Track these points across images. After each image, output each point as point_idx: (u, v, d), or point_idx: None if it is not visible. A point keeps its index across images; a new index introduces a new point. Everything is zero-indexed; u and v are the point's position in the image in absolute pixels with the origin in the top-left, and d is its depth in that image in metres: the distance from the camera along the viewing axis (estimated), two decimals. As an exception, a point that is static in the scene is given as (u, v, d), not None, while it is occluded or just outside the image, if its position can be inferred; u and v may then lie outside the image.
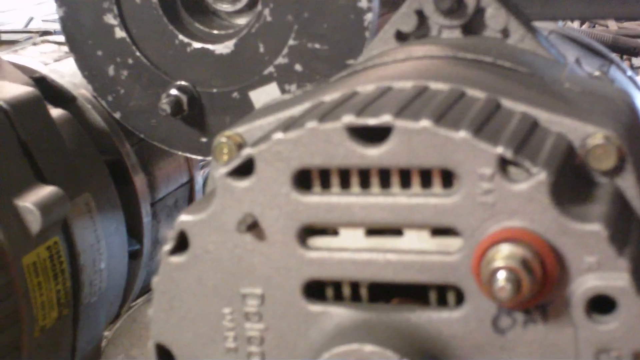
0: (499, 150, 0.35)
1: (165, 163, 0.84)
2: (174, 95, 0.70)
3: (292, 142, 0.38)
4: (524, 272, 0.34)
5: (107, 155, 0.77)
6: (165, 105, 0.70)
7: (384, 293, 0.38)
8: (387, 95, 0.40)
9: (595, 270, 0.34)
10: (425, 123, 0.36)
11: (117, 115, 0.74)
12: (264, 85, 0.68)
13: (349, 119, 0.37)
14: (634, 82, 0.71)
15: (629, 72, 0.72)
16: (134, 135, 0.75)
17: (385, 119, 0.37)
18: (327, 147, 0.37)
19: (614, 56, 0.74)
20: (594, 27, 1.50)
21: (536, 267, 0.34)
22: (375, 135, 0.37)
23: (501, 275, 0.34)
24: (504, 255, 0.34)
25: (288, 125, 0.39)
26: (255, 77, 0.68)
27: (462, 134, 0.36)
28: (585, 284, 0.35)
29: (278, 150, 0.38)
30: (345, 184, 0.38)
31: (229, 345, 0.40)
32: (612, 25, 1.47)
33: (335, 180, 0.38)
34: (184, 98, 0.70)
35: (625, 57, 1.31)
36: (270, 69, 0.67)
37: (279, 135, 0.38)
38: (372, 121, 0.37)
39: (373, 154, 0.37)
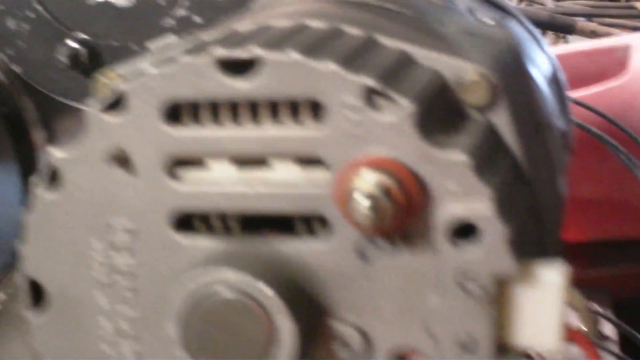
0: (365, 80, 0.36)
1: (67, 117, 0.83)
2: (74, 48, 0.69)
3: (163, 77, 0.38)
4: (386, 198, 0.34)
5: (4, 107, 0.75)
6: (64, 58, 0.69)
7: (256, 226, 0.38)
8: (263, 32, 0.40)
9: (458, 199, 0.35)
10: (293, 55, 0.36)
11: (18, 69, 0.72)
12: (163, 37, 0.68)
13: (219, 52, 0.37)
14: (534, 37, 0.72)
15: (530, 27, 0.73)
16: (34, 89, 0.74)
17: (254, 51, 0.37)
18: (197, 81, 0.37)
19: (516, 11, 0.74)
20: (531, 5, 1.50)
21: (398, 194, 0.34)
22: (248, 69, 0.37)
23: (362, 201, 0.34)
24: (365, 181, 0.34)
25: (162, 62, 0.38)
26: (155, 29, 0.68)
27: (330, 65, 0.36)
28: (448, 211, 0.35)
29: (150, 86, 0.38)
30: (216, 118, 0.38)
31: (101, 280, 0.40)
32: (549, 3, 1.48)
33: (205, 114, 0.38)
34: (84, 51, 0.69)
35: (561, 35, 1.32)
36: (170, 21, 0.67)
37: (151, 71, 0.38)
38: (241, 54, 0.37)
39: (242, 87, 0.37)
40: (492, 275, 0.35)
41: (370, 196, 0.34)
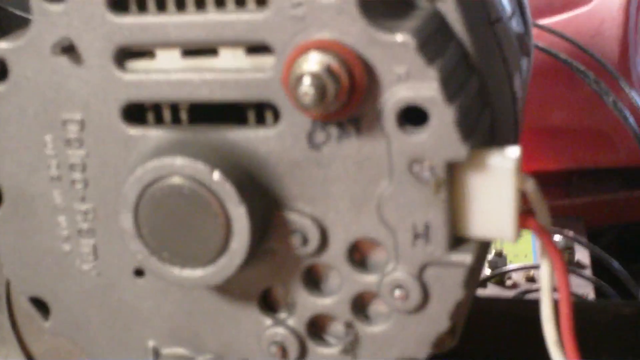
0: None
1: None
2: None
3: None
4: (329, 78, 0.33)
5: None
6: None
7: (205, 118, 0.38)
8: None
9: (405, 81, 0.34)
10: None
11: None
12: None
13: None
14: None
15: None
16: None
17: None
18: (141, -32, 0.36)
19: None
20: None
21: (342, 74, 0.34)
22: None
23: (306, 81, 0.33)
24: (309, 62, 0.34)
25: None
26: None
27: None
28: (395, 95, 0.34)
29: None
30: (161, 4, 0.37)
31: (52, 174, 0.40)
32: None
33: (150, 1, 0.37)
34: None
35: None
36: None
37: None
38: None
39: (186, -28, 0.36)
40: (442, 160, 0.35)
41: (314, 76, 0.33)
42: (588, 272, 0.79)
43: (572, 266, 0.79)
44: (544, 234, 0.37)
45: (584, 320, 0.51)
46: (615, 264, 0.75)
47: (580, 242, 0.78)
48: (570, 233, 0.79)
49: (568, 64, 0.73)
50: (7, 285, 0.66)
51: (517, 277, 0.78)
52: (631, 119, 0.73)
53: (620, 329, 0.51)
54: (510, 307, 0.56)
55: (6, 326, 0.68)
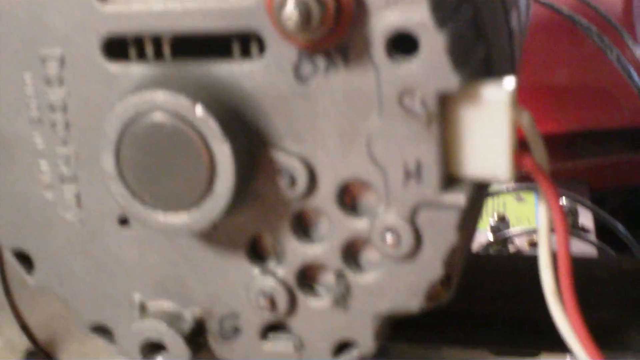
0: None
1: None
2: None
3: None
4: (314, 1, 0.32)
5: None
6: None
7: (189, 53, 0.36)
8: None
9: (393, 5, 0.33)
10: None
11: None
12: None
13: None
14: None
15: None
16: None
17: None
18: None
19: None
20: None
21: (327, -2, 0.32)
22: None
23: (290, 4, 0.32)
24: (294, -14, 0.32)
25: None
26: None
27: None
28: (384, 20, 0.33)
29: None
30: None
31: (32, 115, 0.38)
32: None
33: None
34: None
35: None
36: None
37: None
38: None
39: None
40: (433, 90, 0.33)
41: (299, 1, 0.32)
42: (592, 236, 0.77)
43: (576, 230, 0.77)
44: (541, 174, 0.35)
45: (584, 276, 0.49)
46: (620, 227, 0.74)
47: (584, 204, 0.76)
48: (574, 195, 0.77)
49: (571, 19, 0.72)
50: (0, 252, 0.65)
51: (520, 242, 0.77)
52: (635, 75, 0.71)
53: (621, 284, 0.50)
54: (509, 263, 0.55)
55: (-1, 294, 0.67)
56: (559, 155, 0.89)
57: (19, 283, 0.66)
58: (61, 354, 0.69)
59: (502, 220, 0.79)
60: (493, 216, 0.80)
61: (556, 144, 0.89)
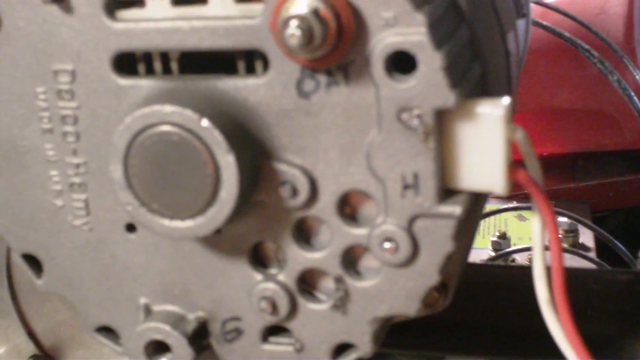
0: None
1: None
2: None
3: None
4: (315, 20, 0.34)
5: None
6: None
7: (196, 70, 0.38)
8: None
9: (392, 26, 0.34)
10: None
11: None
12: None
13: None
14: None
15: None
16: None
17: None
18: None
19: None
20: None
21: (329, 17, 0.34)
22: None
23: (293, 23, 0.33)
24: (297, 5, 0.34)
25: None
26: None
27: None
28: (383, 40, 0.34)
29: None
30: (152, -46, 0.37)
31: (44, 126, 0.40)
32: None
33: (141, -50, 0.37)
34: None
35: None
36: None
37: None
38: None
39: None
40: (430, 107, 0.35)
41: (301, 19, 0.33)
42: (592, 254, 0.78)
43: (576, 248, 0.78)
44: (534, 186, 0.37)
45: (579, 288, 0.50)
46: (620, 246, 0.75)
47: (584, 224, 0.78)
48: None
49: (572, 43, 0.73)
50: (8, 259, 0.66)
51: (521, 259, 0.78)
52: (635, 98, 0.73)
53: (616, 295, 0.51)
54: (505, 274, 0.56)
55: (6, 299, 0.68)
56: (561, 176, 0.90)
57: (26, 290, 0.68)
58: (66, 360, 0.71)
59: (504, 238, 0.80)
60: (494, 234, 0.81)
61: (558, 165, 0.91)
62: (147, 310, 0.42)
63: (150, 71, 0.38)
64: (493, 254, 0.79)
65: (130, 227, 0.41)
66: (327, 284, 0.40)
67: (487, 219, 0.90)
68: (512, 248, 0.80)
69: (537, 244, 0.38)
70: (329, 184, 0.38)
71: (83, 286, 0.43)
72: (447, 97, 0.34)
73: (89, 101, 0.39)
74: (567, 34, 0.74)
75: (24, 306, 0.68)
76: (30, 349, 0.70)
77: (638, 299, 0.52)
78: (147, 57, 0.38)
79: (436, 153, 0.36)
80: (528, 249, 0.78)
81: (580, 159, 0.93)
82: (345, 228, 0.38)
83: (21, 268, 0.66)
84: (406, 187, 0.37)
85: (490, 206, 0.88)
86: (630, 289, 0.51)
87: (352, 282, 0.39)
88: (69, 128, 0.39)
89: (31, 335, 0.69)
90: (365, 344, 0.40)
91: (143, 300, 0.42)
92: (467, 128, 0.36)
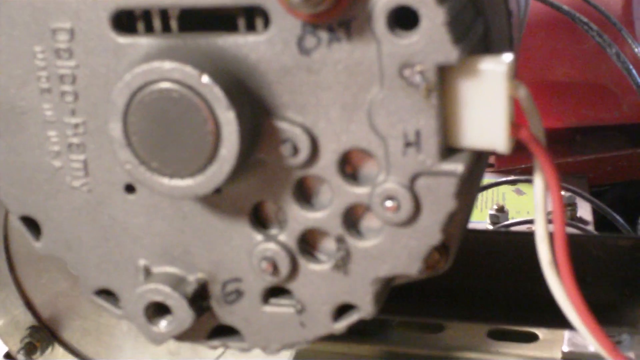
0: None
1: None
2: None
3: None
4: (317, -26, 0.33)
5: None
6: None
7: (196, 28, 0.38)
8: None
9: (394, -19, 0.34)
10: None
11: None
12: None
13: None
14: None
15: None
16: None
17: None
18: None
19: None
20: None
21: (331, -29, 0.33)
22: None
23: (295, -21, 0.33)
24: (297, -41, 0.33)
25: None
26: None
27: None
28: (385, -5, 0.34)
29: None
30: None
31: (42, 86, 0.39)
32: None
33: None
34: None
35: None
36: None
37: None
38: None
39: None
40: (432, 63, 0.34)
41: (303, -26, 0.33)
42: (590, 228, 0.78)
43: (575, 222, 0.78)
44: (536, 145, 0.37)
45: (582, 254, 0.50)
46: (618, 218, 0.75)
47: (583, 197, 0.78)
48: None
49: (571, 16, 0.73)
50: (5, 229, 0.66)
51: (520, 232, 0.78)
52: (634, 72, 0.72)
53: (618, 261, 0.51)
54: (505, 240, 0.56)
55: (4, 270, 0.68)
56: (559, 150, 0.90)
57: (24, 261, 0.67)
58: (64, 331, 0.71)
59: (501, 211, 0.80)
60: (492, 208, 0.82)
61: (556, 139, 0.91)
62: (147, 272, 0.42)
63: (149, 29, 0.38)
64: (491, 227, 0.79)
65: (130, 188, 0.41)
66: (328, 244, 0.40)
67: (484, 193, 0.90)
68: (510, 221, 0.80)
69: (539, 203, 0.38)
70: (330, 142, 0.37)
71: (82, 248, 0.43)
72: (449, 52, 0.34)
73: (88, 60, 0.38)
74: (565, 7, 0.74)
75: (22, 277, 0.68)
76: (28, 320, 0.70)
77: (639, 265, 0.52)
78: (147, 15, 0.38)
79: (438, 110, 0.35)
80: (526, 222, 0.78)
81: (579, 133, 0.93)
82: (346, 187, 0.38)
83: (18, 239, 0.66)
84: (408, 144, 0.36)
85: (488, 180, 0.88)
86: (632, 255, 0.51)
87: (354, 242, 0.39)
88: (67, 87, 0.39)
89: (29, 306, 0.69)
90: (366, 304, 0.40)
91: (142, 262, 0.42)
92: (469, 85, 0.35)
